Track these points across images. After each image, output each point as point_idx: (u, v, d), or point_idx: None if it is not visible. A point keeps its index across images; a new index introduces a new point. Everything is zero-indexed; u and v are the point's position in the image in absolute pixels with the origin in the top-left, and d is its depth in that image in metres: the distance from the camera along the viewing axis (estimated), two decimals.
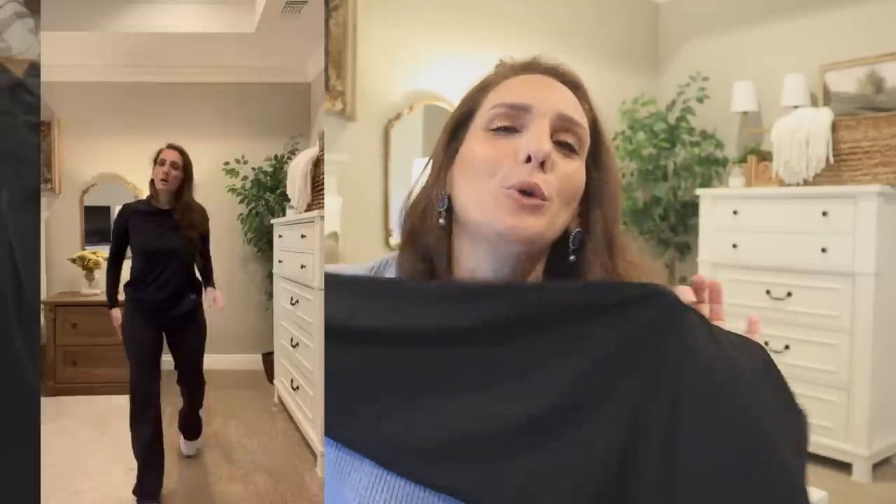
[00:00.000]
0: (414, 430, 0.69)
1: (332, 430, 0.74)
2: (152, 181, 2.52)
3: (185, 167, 2.53)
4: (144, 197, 2.64)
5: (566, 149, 0.77)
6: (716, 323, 0.73)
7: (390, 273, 0.85)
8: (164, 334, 2.55)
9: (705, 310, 0.74)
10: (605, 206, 0.80)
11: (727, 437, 0.63)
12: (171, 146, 2.55)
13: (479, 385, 0.69)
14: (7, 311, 0.96)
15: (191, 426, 2.95)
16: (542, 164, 0.73)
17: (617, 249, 0.80)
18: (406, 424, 0.69)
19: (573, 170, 0.77)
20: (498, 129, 0.76)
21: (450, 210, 0.80)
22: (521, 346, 0.70)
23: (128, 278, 2.56)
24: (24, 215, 0.98)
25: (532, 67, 0.82)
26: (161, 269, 2.48)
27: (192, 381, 2.72)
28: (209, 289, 2.69)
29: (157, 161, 2.51)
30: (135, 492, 2.46)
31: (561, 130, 0.76)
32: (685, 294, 0.71)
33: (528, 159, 0.73)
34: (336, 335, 0.75)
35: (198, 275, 2.68)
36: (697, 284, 0.75)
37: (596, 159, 0.80)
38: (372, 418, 0.71)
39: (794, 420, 0.67)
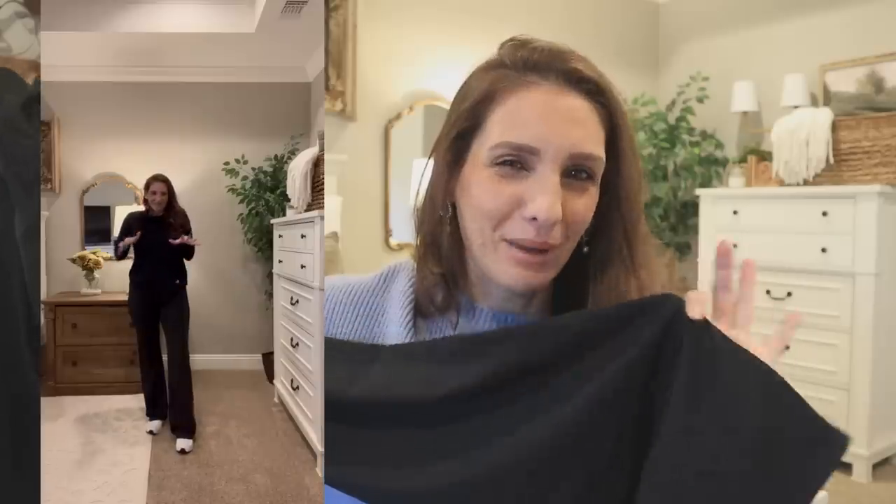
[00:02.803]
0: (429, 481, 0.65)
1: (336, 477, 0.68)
2: (146, 199, 3.38)
3: (168, 188, 3.36)
4: (142, 201, 3.47)
5: (580, 177, 0.70)
6: (742, 309, 0.68)
7: (400, 282, 0.80)
8: (159, 308, 3.33)
9: (734, 282, 0.69)
10: (623, 202, 0.75)
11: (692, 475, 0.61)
12: (155, 177, 3.35)
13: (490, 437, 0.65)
14: (19, 339, 0.94)
15: (181, 415, 3.18)
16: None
17: (637, 240, 0.75)
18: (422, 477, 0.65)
19: (584, 203, 0.71)
20: (503, 163, 0.69)
21: (456, 215, 0.76)
22: (524, 393, 0.66)
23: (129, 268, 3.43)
24: (33, 246, 0.96)
25: (542, 67, 0.71)
26: (154, 258, 3.30)
27: (179, 353, 3.24)
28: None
29: (147, 188, 3.35)
30: (148, 414, 3.42)
31: (574, 165, 0.70)
32: (694, 306, 0.65)
33: (535, 218, 0.67)
34: (334, 405, 0.70)
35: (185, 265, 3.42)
36: (721, 252, 0.69)
37: (615, 152, 0.73)
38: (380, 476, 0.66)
39: (801, 452, 0.62)
